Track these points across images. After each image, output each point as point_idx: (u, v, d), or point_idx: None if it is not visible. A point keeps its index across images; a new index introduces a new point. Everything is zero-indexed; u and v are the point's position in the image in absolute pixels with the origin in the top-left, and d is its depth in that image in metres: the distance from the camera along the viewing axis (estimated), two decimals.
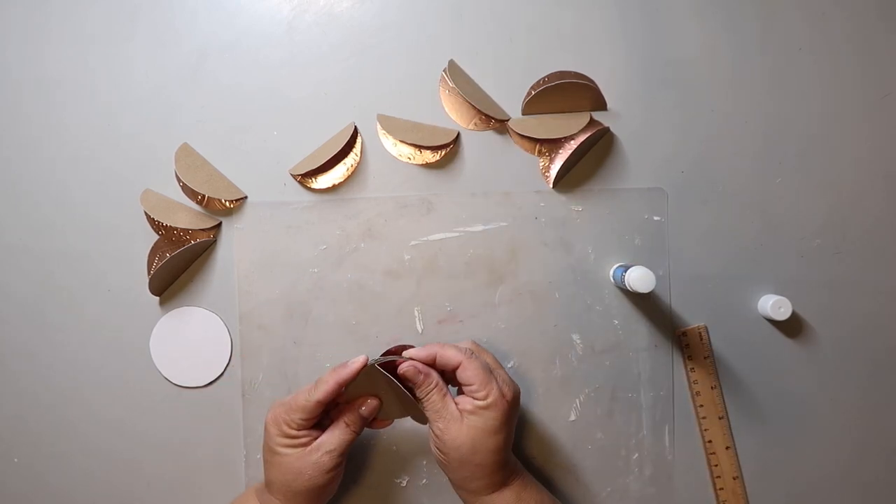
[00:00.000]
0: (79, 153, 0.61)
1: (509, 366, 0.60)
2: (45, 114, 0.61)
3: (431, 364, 0.53)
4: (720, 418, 0.60)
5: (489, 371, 0.52)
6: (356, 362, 0.52)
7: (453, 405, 0.52)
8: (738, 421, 0.60)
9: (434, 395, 0.52)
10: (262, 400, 0.60)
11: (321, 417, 0.54)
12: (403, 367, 0.52)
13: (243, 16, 0.61)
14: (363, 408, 0.54)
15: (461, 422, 0.51)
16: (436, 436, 0.52)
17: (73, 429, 0.61)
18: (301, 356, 0.60)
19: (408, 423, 0.60)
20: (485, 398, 0.51)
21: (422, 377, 0.52)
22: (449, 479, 0.54)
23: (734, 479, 0.60)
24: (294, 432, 0.52)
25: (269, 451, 0.53)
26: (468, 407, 0.51)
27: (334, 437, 0.52)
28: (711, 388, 0.60)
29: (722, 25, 0.60)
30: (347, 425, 0.53)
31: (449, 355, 0.53)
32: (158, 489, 0.61)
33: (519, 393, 0.53)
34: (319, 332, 0.60)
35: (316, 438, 0.53)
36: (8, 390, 0.61)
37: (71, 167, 0.61)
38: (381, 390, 0.54)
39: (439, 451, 0.52)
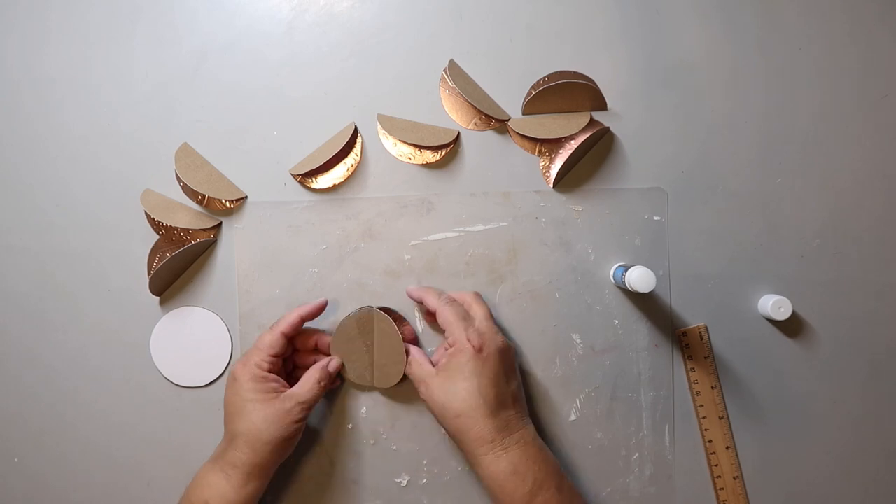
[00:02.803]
0: (79, 153, 0.61)
1: None
2: (46, 113, 0.61)
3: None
4: (720, 418, 0.60)
5: (462, 319, 0.54)
6: (319, 300, 0.58)
7: (429, 365, 0.55)
8: (738, 421, 0.60)
9: (412, 366, 0.56)
10: None
11: (286, 365, 0.58)
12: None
13: (243, 16, 0.61)
14: (331, 364, 0.56)
15: (435, 376, 0.54)
16: (423, 399, 0.55)
17: (73, 429, 0.61)
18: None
19: (409, 422, 0.60)
20: (452, 344, 0.54)
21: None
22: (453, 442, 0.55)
23: (734, 478, 0.60)
24: (264, 374, 0.54)
25: (238, 402, 0.54)
26: (442, 360, 0.54)
27: (306, 391, 0.55)
28: (712, 387, 0.60)
29: (722, 25, 0.60)
30: (318, 381, 0.55)
31: (428, 301, 0.57)
32: (158, 489, 0.61)
33: (499, 348, 0.53)
34: None
35: (286, 389, 0.55)
36: (8, 390, 0.61)
37: (71, 167, 0.61)
38: (357, 350, 0.58)
39: (431, 412, 0.55)
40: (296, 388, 0.55)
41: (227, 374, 0.56)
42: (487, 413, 0.51)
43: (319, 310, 0.58)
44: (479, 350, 0.52)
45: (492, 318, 0.56)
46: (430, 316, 0.58)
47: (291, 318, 0.56)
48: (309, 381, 0.55)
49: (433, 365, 0.56)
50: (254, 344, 0.56)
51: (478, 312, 0.56)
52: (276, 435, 0.53)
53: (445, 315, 0.55)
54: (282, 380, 0.56)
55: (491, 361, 0.53)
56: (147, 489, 0.61)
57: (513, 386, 0.54)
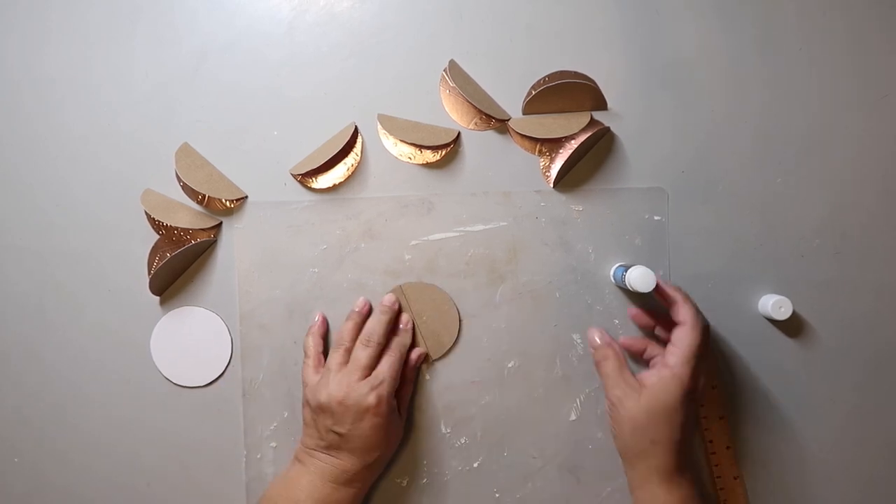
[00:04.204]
0: (79, 153, 0.61)
1: (509, 365, 0.60)
2: (46, 113, 0.61)
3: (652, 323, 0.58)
4: (720, 418, 0.60)
5: (693, 347, 0.51)
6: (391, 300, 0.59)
7: (630, 376, 0.53)
8: (738, 421, 0.60)
9: (611, 363, 0.54)
10: (262, 400, 0.60)
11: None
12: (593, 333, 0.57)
13: (243, 16, 0.61)
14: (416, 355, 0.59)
15: (639, 393, 0.51)
16: (611, 403, 0.52)
17: (73, 428, 0.61)
18: (301, 356, 0.60)
19: (409, 421, 0.60)
20: (667, 364, 0.51)
21: (604, 345, 0.55)
22: (621, 455, 0.53)
23: (734, 478, 0.60)
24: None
25: (386, 431, 0.55)
26: (652, 379, 0.51)
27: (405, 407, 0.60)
28: (712, 387, 0.60)
29: (722, 25, 0.60)
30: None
31: (671, 294, 0.54)
32: (159, 488, 0.61)
33: (702, 388, 0.51)
34: None
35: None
36: (8, 390, 0.61)
37: (71, 167, 0.61)
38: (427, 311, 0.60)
39: (613, 420, 0.53)
40: (401, 399, 0.58)
41: (368, 403, 0.54)
42: (679, 449, 0.51)
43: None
44: (693, 389, 0.50)
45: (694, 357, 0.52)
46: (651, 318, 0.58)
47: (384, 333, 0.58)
48: (408, 385, 0.59)
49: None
50: (385, 370, 0.56)
51: (687, 341, 0.51)
52: (396, 447, 0.58)
53: (683, 322, 0.52)
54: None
55: (696, 401, 0.51)
56: (147, 488, 0.61)
57: (691, 428, 0.52)
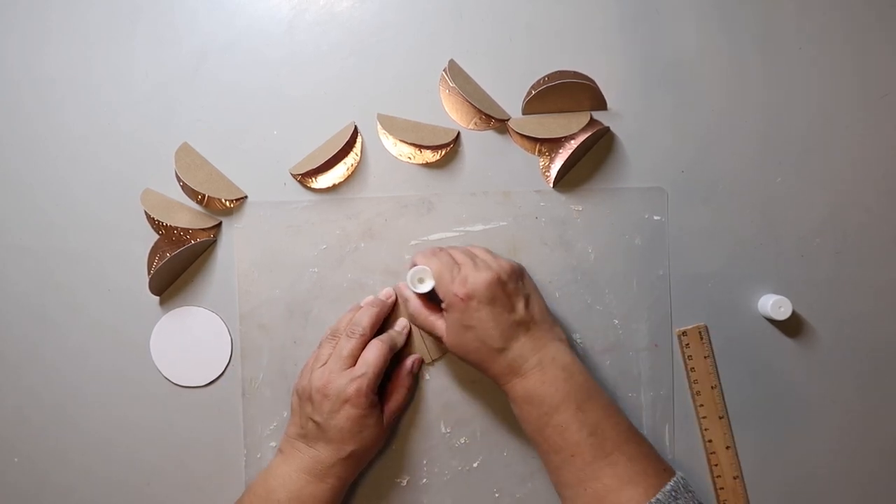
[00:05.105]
0: (79, 153, 0.61)
1: None
2: (46, 113, 0.61)
3: None
4: (720, 418, 0.60)
5: (448, 271, 0.53)
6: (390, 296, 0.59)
7: (435, 317, 0.55)
8: (738, 421, 0.60)
9: (419, 320, 0.56)
10: (262, 400, 0.60)
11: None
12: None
13: (243, 15, 0.61)
14: (414, 365, 0.59)
15: (444, 333, 0.54)
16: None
17: (73, 428, 0.61)
18: (301, 356, 0.60)
19: (409, 421, 0.60)
20: (444, 299, 0.53)
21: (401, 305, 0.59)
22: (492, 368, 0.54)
23: (734, 478, 0.60)
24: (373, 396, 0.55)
25: (361, 423, 0.54)
26: (444, 314, 0.54)
27: (398, 401, 0.58)
28: (711, 387, 0.60)
29: (722, 25, 0.60)
30: (408, 388, 0.59)
31: (417, 259, 0.56)
32: (158, 488, 0.61)
33: (487, 284, 0.51)
34: (319, 331, 0.60)
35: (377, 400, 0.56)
36: (8, 390, 0.61)
37: (71, 167, 0.61)
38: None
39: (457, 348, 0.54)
40: (392, 402, 0.57)
41: (347, 393, 0.53)
42: (497, 353, 0.52)
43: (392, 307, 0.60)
44: (468, 298, 0.51)
45: (471, 254, 0.54)
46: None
47: (375, 324, 0.57)
48: (401, 391, 0.58)
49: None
50: (369, 360, 0.54)
51: (459, 256, 0.54)
52: (377, 448, 0.57)
53: (435, 273, 0.53)
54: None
55: (485, 303, 0.51)
56: (147, 488, 0.61)
57: (518, 313, 0.52)
